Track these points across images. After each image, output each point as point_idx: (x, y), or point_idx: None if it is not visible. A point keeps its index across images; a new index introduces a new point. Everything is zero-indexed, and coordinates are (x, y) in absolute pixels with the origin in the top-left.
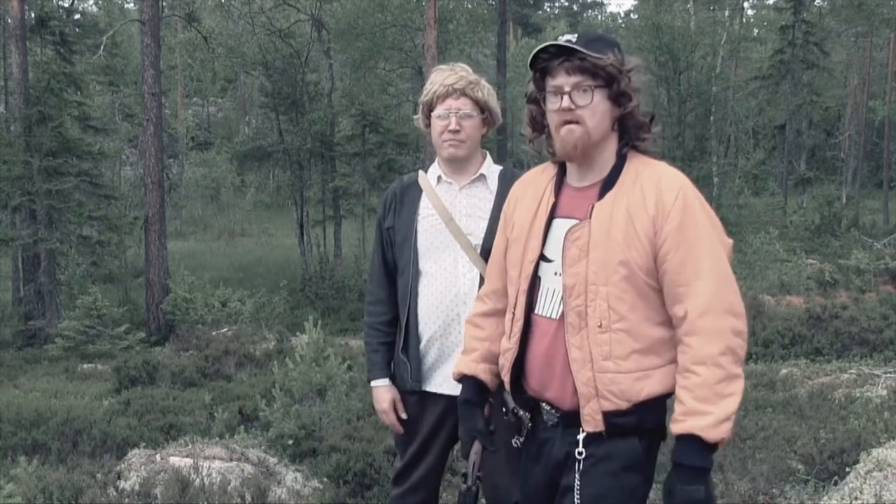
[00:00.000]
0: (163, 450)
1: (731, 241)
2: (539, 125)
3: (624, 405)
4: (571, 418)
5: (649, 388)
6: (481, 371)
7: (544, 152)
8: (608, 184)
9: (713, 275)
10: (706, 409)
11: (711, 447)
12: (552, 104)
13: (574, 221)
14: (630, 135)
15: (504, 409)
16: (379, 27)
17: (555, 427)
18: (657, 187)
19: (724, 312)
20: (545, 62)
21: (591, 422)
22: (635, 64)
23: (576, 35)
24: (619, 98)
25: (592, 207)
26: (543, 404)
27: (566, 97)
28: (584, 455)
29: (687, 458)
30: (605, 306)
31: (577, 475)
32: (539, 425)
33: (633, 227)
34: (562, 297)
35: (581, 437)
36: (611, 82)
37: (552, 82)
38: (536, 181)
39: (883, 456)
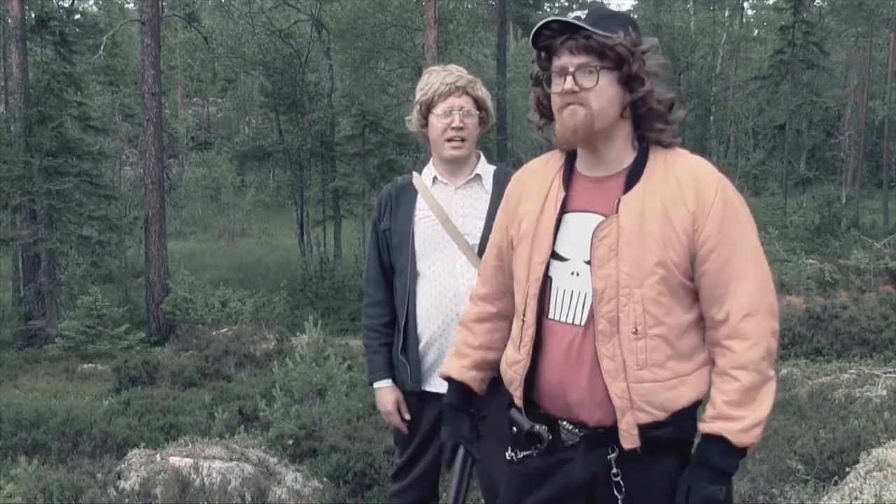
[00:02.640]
0: (163, 450)
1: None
2: (546, 110)
3: (661, 416)
4: (598, 437)
5: (687, 395)
6: (471, 378)
7: (554, 141)
8: (634, 175)
9: (756, 275)
10: (739, 413)
11: (739, 452)
12: (556, 86)
13: (594, 216)
14: (643, 124)
15: (512, 427)
16: (379, 27)
17: (575, 447)
18: (695, 180)
19: (767, 314)
20: (548, 40)
21: (629, 437)
22: (651, 44)
23: (586, 12)
24: (629, 82)
25: (619, 201)
26: (563, 422)
27: (569, 78)
28: (619, 476)
29: (712, 459)
30: (640, 311)
31: (620, 501)
32: (557, 444)
33: (670, 224)
34: (585, 302)
35: (612, 456)
36: (620, 64)
37: (556, 62)
38: (540, 173)
39: (883, 456)
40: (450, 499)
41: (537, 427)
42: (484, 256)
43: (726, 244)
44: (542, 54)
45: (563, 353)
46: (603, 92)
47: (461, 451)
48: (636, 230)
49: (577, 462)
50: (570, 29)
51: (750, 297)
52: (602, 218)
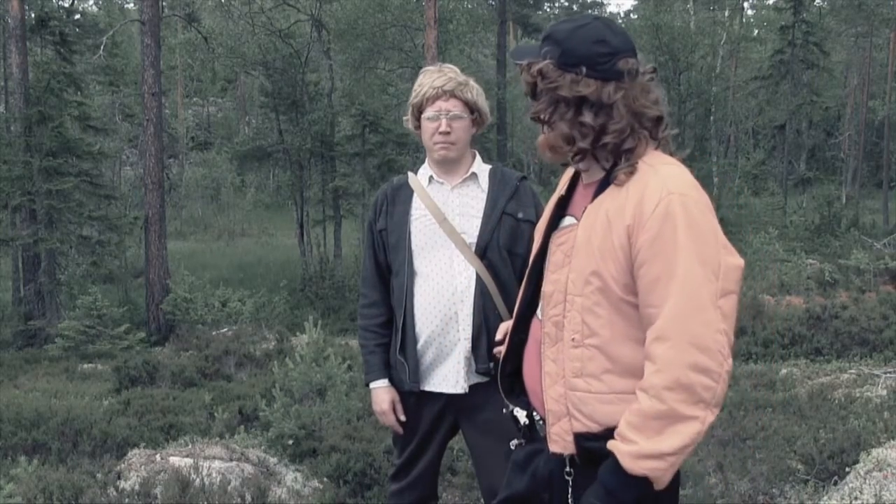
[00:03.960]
0: (163, 450)
1: (738, 262)
2: None
3: (595, 428)
4: None
5: (623, 413)
6: None
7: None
8: (603, 184)
9: (680, 299)
10: (632, 436)
11: (632, 478)
12: None
13: (572, 220)
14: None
15: (503, 410)
16: (379, 27)
17: (545, 439)
18: (641, 192)
19: (686, 343)
20: None
21: (560, 442)
22: (540, 65)
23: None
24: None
25: (585, 209)
26: (535, 413)
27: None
28: (573, 475)
29: (604, 476)
30: (578, 319)
31: (569, 498)
32: (532, 432)
33: (610, 237)
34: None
35: (567, 455)
36: (531, 89)
37: None
38: (567, 174)
39: (883, 456)
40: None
41: (516, 410)
42: None
43: (657, 262)
44: None
45: (532, 348)
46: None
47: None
48: (586, 240)
49: (543, 454)
50: None
51: (666, 321)
52: (572, 222)
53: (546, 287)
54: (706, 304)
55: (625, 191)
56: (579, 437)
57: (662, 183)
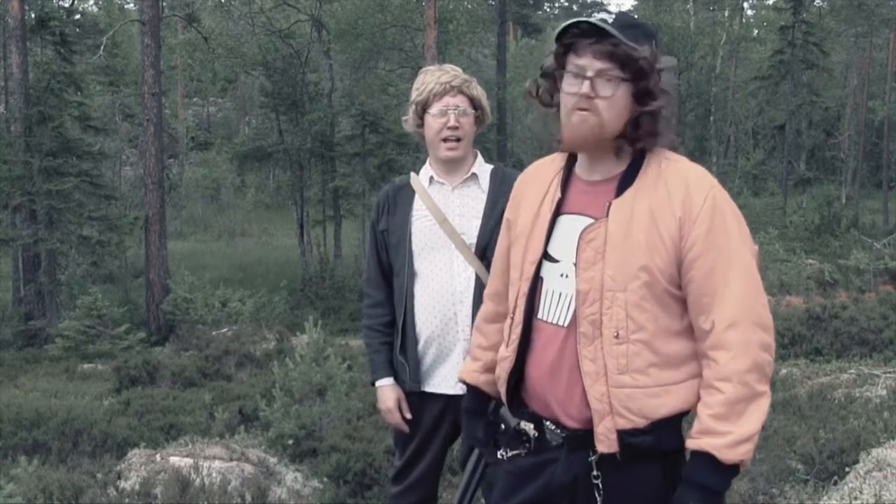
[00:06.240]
0: (163, 450)
1: (756, 246)
2: (549, 103)
3: (641, 423)
4: (579, 438)
5: (669, 405)
6: (483, 382)
7: (552, 131)
8: (627, 179)
9: (743, 284)
10: (724, 428)
11: (728, 468)
12: (570, 86)
13: (586, 219)
14: (640, 135)
15: (501, 424)
16: (379, 27)
17: (559, 448)
18: (685, 186)
19: (754, 325)
20: (573, 38)
21: (605, 441)
22: (669, 64)
23: (613, 16)
24: (643, 96)
25: (610, 205)
26: (547, 422)
27: (587, 83)
28: (600, 478)
29: (699, 476)
30: (622, 315)
31: (599, 501)
32: (542, 443)
33: (656, 230)
34: (570, 303)
35: (594, 458)
36: (639, 78)
37: (576, 61)
38: (541, 174)
39: (882, 456)
40: (455, 498)
41: (523, 424)
42: (494, 255)
43: (712, 252)
44: (562, 49)
45: (547, 352)
46: (617, 103)
47: (475, 454)
48: (623, 235)
49: (560, 463)
50: (600, 33)
51: (735, 307)
52: (592, 221)
53: (580, 286)
54: (761, 286)
55: (663, 185)
56: (623, 434)
57: (702, 177)
